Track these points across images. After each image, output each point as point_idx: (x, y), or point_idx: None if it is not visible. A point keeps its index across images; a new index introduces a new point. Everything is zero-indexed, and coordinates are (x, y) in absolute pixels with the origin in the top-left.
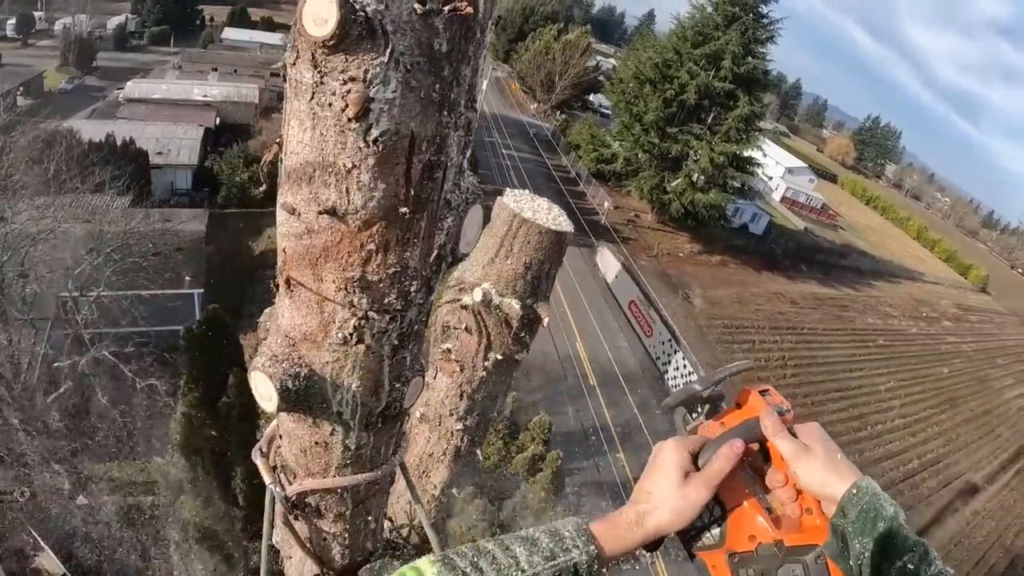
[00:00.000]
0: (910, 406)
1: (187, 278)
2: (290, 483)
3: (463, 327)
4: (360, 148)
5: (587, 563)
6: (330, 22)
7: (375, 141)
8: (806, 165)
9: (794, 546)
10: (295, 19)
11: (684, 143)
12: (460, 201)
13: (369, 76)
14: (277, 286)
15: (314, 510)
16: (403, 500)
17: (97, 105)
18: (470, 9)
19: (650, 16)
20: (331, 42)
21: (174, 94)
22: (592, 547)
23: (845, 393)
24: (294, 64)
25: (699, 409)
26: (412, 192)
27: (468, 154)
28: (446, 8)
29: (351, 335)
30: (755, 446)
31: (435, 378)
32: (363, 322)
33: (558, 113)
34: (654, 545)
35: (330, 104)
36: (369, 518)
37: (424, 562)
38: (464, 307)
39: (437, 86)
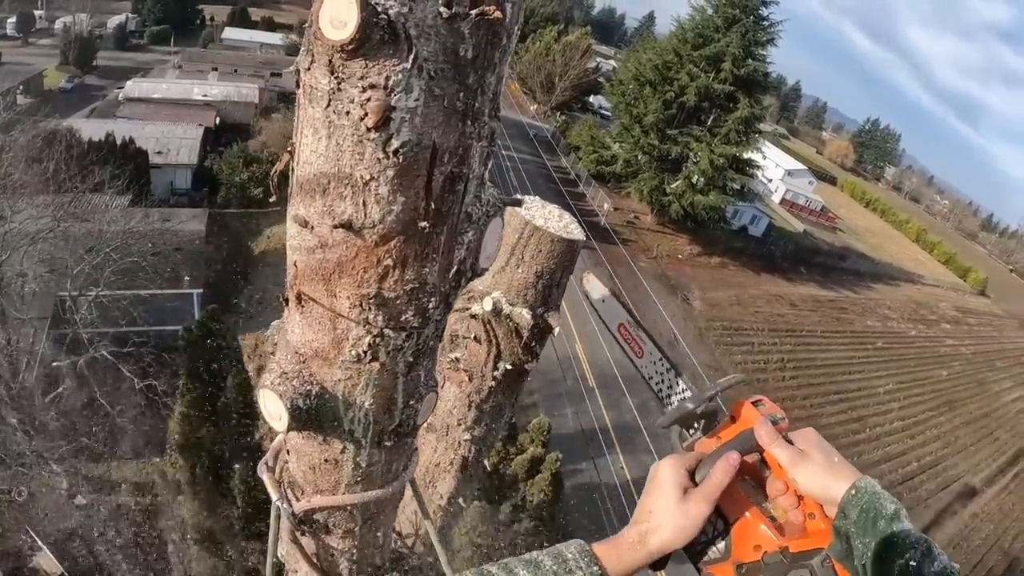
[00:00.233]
0: (909, 408)
1: (186, 278)
2: (298, 499)
3: (472, 336)
4: (379, 159)
5: None
6: (350, 25)
7: (395, 152)
8: (806, 167)
9: (800, 552)
10: (310, 20)
11: (684, 145)
12: (481, 214)
13: (391, 83)
14: (286, 300)
15: (322, 526)
16: (408, 510)
17: (97, 104)
18: (498, 14)
19: (650, 18)
20: (350, 46)
21: (174, 94)
22: (595, 568)
23: (844, 395)
24: (308, 69)
25: (695, 425)
26: (432, 205)
27: (489, 165)
28: (473, 12)
29: (365, 353)
30: (753, 457)
31: (443, 387)
32: (378, 339)
33: (558, 114)
34: (659, 564)
35: (348, 112)
36: (378, 534)
37: None
38: (474, 316)
39: (461, 94)
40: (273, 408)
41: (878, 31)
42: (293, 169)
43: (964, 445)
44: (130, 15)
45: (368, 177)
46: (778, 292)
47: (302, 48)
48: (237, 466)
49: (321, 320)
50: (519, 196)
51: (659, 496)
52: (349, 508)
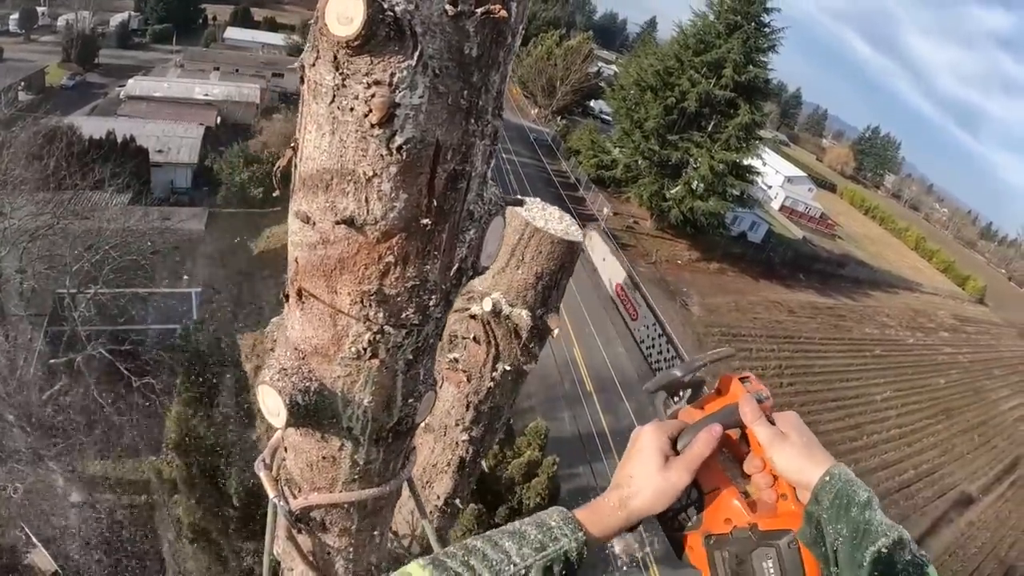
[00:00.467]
0: (906, 416)
1: (185, 277)
2: (295, 497)
3: (471, 337)
4: (382, 156)
5: (576, 549)
6: (356, 21)
7: (399, 149)
8: (805, 174)
9: (768, 530)
10: (316, 16)
11: (684, 150)
12: (483, 213)
13: (395, 80)
14: (287, 296)
15: (319, 524)
16: (405, 510)
17: (98, 102)
18: (504, 12)
19: (652, 23)
20: (356, 43)
21: (175, 92)
22: (580, 533)
23: (841, 402)
24: (313, 65)
25: (680, 394)
26: (435, 203)
27: (492, 163)
28: (479, 11)
29: (365, 349)
30: (735, 432)
31: (441, 388)
32: (378, 336)
33: (559, 118)
34: (633, 526)
35: (352, 108)
36: (375, 533)
37: (414, 566)
38: (473, 316)
39: (465, 92)
40: (272, 404)
41: (879, 39)
42: (296, 165)
43: (961, 453)
44: (132, 13)
45: (371, 173)
46: (777, 298)
47: (307, 44)
48: (233, 467)
49: (321, 316)
50: (520, 196)
51: (640, 462)
52: (346, 506)
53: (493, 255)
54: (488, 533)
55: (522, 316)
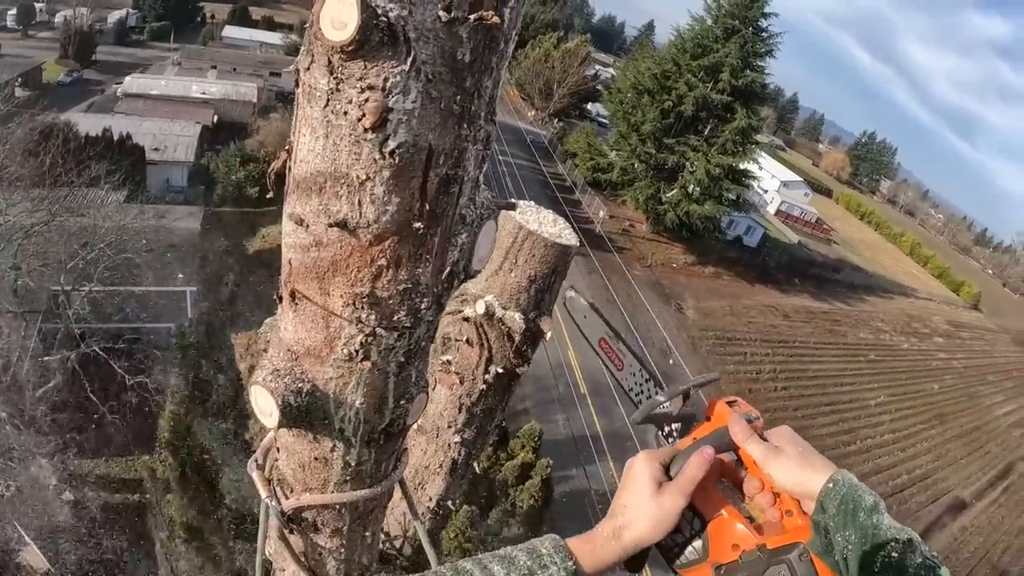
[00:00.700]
0: (900, 421)
1: (180, 275)
2: (287, 497)
3: (464, 339)
4: (375, 160)
5: None
6: (350, 26)
7: (392, 153)
8: (801, 179)
9: (777, 547)
10: (311, 21)
11: (680, 154)
12: (475, 217)
13: (388, 85)
14: (280, 298)
15: (310, 525)
16: (397, 512)
17: (95, 99)
18: (496, 19)
19: (650, 27)
20: (350, 47)
21: (172, 90)
22: (570, 563)
23: (835, 407)
24: (308, 69)
25: (673, 431)
26: (427, 207)
27: (484, 168)
28: (472, 17)
29: (357, 352)
30: (730, 457)
31: (434, 390)
32: (370, 339)
33: (556, 121)
34: (636, 564)
35: (345, 113)
36: (367, 533)
37: None
38: (466, 319)
39: (458, 97)
40: (264, 404)
41: (877, 46)
42: (290, 168)
43: (955, 458)
44: (131, 11)
45: (364, 177)
46: (772, 303)
47: (302, 48)
48: (226, 466)
49: (314, 318)
50: (513, 200)
51: (633, 490)
52: (338, 507)
53: (485, 259)
54: (479, 556)
55: (515, 319)
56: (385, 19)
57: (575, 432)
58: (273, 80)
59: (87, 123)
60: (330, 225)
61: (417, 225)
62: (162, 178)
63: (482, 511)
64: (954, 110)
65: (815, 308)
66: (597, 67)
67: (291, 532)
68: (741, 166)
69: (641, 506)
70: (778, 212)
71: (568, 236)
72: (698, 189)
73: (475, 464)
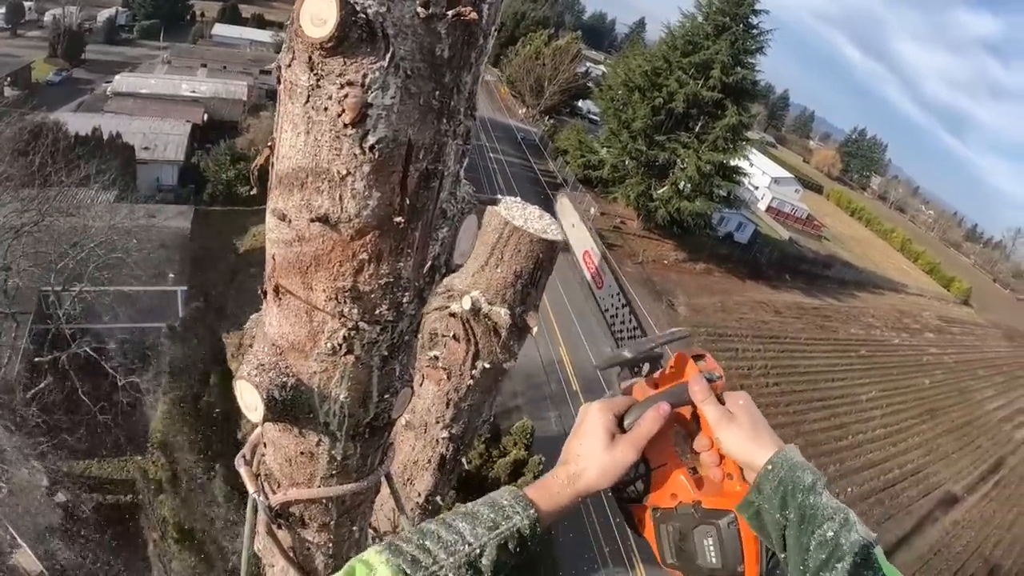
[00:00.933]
0: (891, 416)
1: (171, 275)
2: (274, 492)
3: (451, 335)
4: (355, 155)
5: (529, 526)
6: (329, 23)
7: (371, 148)
8: (792, 175)
9: (711, 508)
10: (291, 18)
11: (671, 151)
12: (455, 211)
13: (368, 81)
14: (265, 293)
15: (298, 520)
16: (386, 507)
17: (84, 98)
18: (474, 15)
19: (641, 24)
20: (329, 44)
21: (162, 89)
22: (531, 510)
23: (827, 402)
24: (289, 66)
25: (637, 369)
26: (407, 201)
27: (465, 163)
28: (449, 13)
29: (340, 345)
30: (688, 410)
31: (421, 385)
32: (353, 333)
33: (546, 118)
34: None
35: (326, 108)
36: (354, 528)
37: (371, 552)
38: (452, 315)
39: (437, 93)
40: (249, 399)
41: (868, 43)
42: (273, 164)
43: (946, 453)
44: (120, 9)
45: (345, 172)
46: (763, 299)
47: (283, 45)
48: (219, 466)
49: (298, 313)
50: (496, 196)
51: (587, 439)
52: (324, 501)
53: (466, 253)
54: (442, 516)
55: (501, 314)
56: (364, 16)
57: (567, 429)
58: (263, 78)
59: (77, 122)
60: (312, 220)
61: (398, 219)
62: (152, 177)
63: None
64: (945, 107)
65: (806, 304)
66: (588, 64)
67: (279, 527)
68: (732, 163)
69: (594, 456)
70: (769, 208)
71: (554, 232)
72: (689, 186)
73: (464, 460)
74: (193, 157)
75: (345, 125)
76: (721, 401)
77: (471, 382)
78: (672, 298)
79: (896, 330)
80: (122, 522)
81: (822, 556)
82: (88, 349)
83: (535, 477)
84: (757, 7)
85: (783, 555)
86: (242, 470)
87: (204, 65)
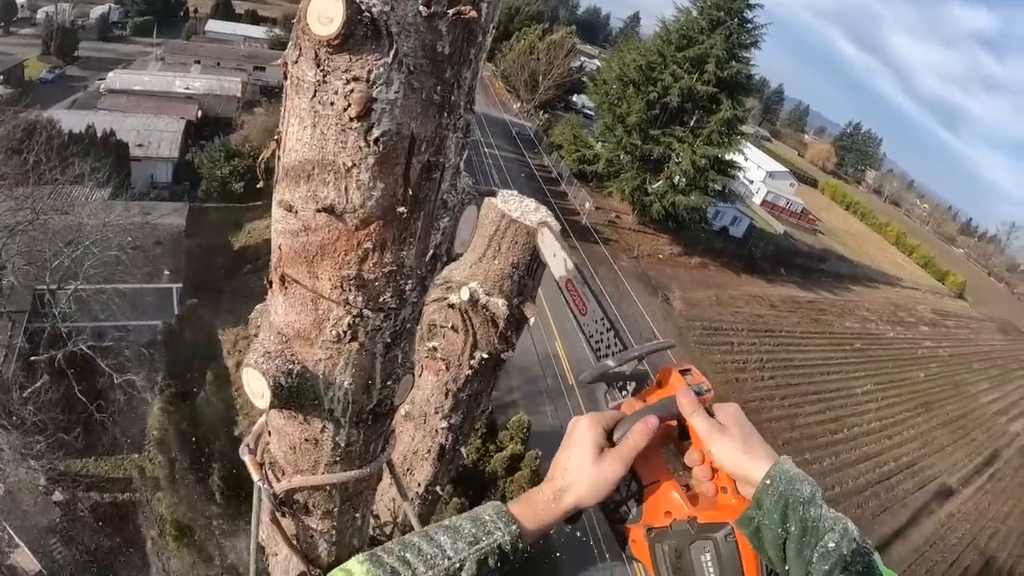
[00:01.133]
0: (886, 409)
1: (166, 272)
2: (278, 480)
3: (449, 325)
4: (361, 147)
5: (510, 542)
6: (335, 21)
7: (376, 141)
8: (787, 169)
9: (707, 523)
10: (298, 16)
11: (666, 145)
12: (456, 202)
13: (372, 76)
14: (270, 283)
15: (302, 507)
16: (387, 497)
17: (78, 95)
18: (474, 13)
19: (635, 18)
20: (336, 41)
21: (156, 86)
22: (514, 527)
23: (822, 396)
24: (296, 62)
25: (626, 387)
26: (410, 192)
27: (465, 155)
28: (450, 11)
29: (345, 333)
30: (675, 423)
31: (420, 376)
32: (357, 320)
33: (541, 113)
34: (573, 518)
35: (332, 103)
36: (356, 515)
37: (353, 562)
38: (451, 306)
39: (438, 88)
40: (256, 386)
41: (862, 37)
42: (279, 157)
43: (941, 445)
44: (113, 5)
45: (350, 164)
46: (758, 293)
47: (290, 42)
48: (216, 463)
49: (303, 301)
50: (494, 188)
51: (575, 453)
52: (328, 488)
53: (466, 242)
54: (425, 528)
55: (499, 305)
56: (369, 14)
57: (563, 423)
58: (257, 74)
59: (70, 120)
60: (318, 210)
61: (401, 209)
62: (146, 174)
63: (472, 503)
64: (939, 101)
65: (801, 298)
66: (582, 59)
67: (283, 515)
68: (727, 157)
69: (581, 471)
70: (764, 202)
71: (551, 223)
72: (684, 180)
73: (463, 451)
74: (187, 154)
75: (351, 119)
76: (710, 414)
77: (469, 372)
78: (667, 292)
79: (891, 323)
80: (120, 520)
81: (825, 568)
82: (84, 347)
83: (532, 471)
84: (751, 1)
85: (784, 568)
86: (247, 459)
87: (198, 61)
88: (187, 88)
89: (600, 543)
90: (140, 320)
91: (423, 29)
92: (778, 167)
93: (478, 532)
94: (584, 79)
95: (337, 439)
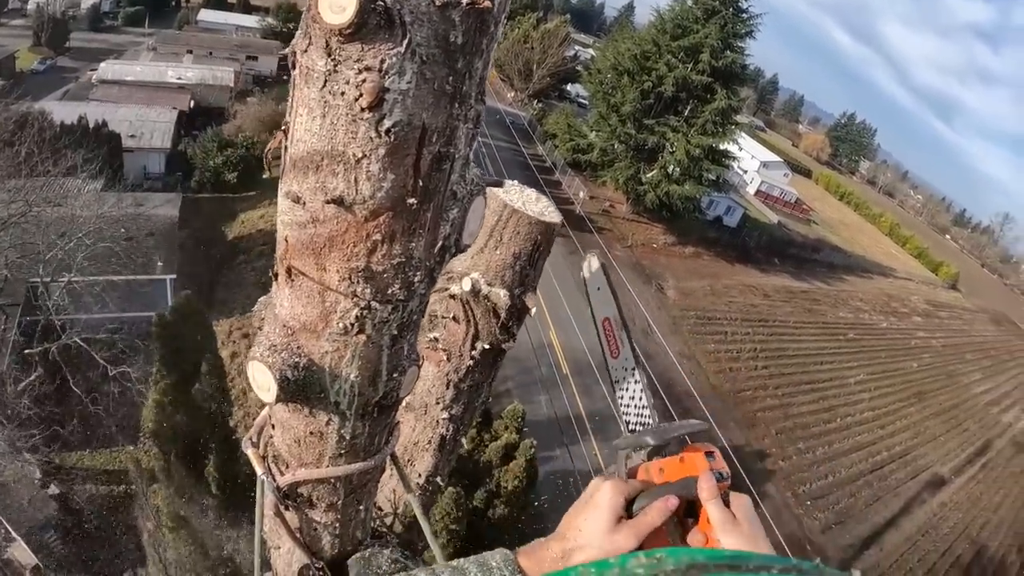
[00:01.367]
0: (879, 399)
1: (159, 263)
2: (282, 473)
3: (451, 316)
4: (371, 138)
5: None
6: (348, 10)
7: (387, 132)
8: (781, 159)
9: None
10: (308, 5)
11: (660, 135)
12: (465, 193)
13: (385, 66)
14: (276, 275)
15: (306, 500)
16: (387, 489)
17: (70, 86)
18: (488, 3)
19: (630, 7)
20: (348, 30)
21: (148, 76)
22: None
23: (815, 385)
24: (306, 51)
25: (647, 443)
26: (420, 183)
27: (474, 146)
28: (464, 1)
29: (352, 325)
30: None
31: (422, 367)
32: (365, 312)
33: (535, 102)
34: None
35: (343, 93)
36: (360, 507)
37: None
38: (452, 296)
39: (450, 78)
40: (262, 379)
41: (858, 28)
42: (286, 148)
43: (933, 435)
44: None
45: (360, 155)
46: (752, 282)
47: (299, 31)
48: (212, 454)
49: (310, 293)
50: (502, 179)
51: (593, 517)
52: (333, 481)
53: (474, 233)
54: (432, 567)
55: (500, 295)
56: (382, 3)
57: (558, 412)
58: (250, 64)
59: (62, 111)
60: (327, 202)
61: (411, 201)
62: (139, 165)
63: (467, 492)
64: (934, 92)
65: (795, 288)
66: (577, 48)
67: (287, 508)
68: (721, 147)
69: (596, 536)
70: (758, 192)
71: (551, 214)
72: (678, 169)
73: (463, 440)
74: (180, 144)
75: (362, 109)
76: (726, 502)
77: (471, 363)
78: (661, 282)
79: (884, 314)
80: (116, 513)
81: None
82: (78, 340)
83: (527, 461)
84: None
85: None
86: (250, 452)
87: (190, 51)
88: (179, 78)
89: None
90: (134, 312)
91: (436, 18)
92: (772, 157)
93: None
94: (578, 68)
95: (342, 432)
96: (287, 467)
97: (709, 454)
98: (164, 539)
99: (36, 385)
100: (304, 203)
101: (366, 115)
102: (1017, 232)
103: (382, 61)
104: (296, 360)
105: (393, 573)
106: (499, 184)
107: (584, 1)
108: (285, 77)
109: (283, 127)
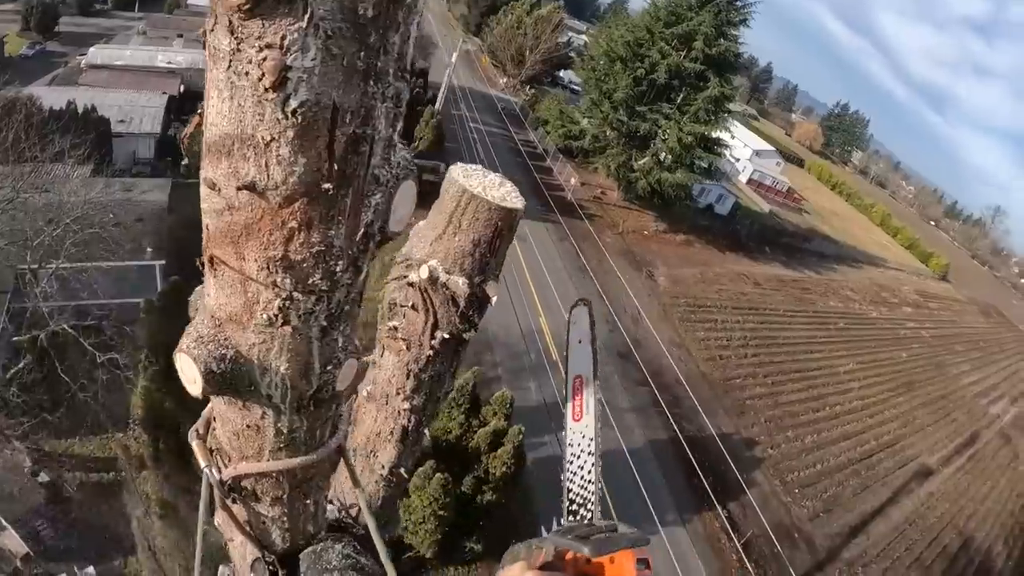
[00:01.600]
0: (868, 388)
1: (148, 249)
2: (225, 466)
3: (410, 304)
4: (278, 120)
5: None
6: None
7: (294, 112)
8: (774, 148)
9: None
10: None
11: (653, 122)
12: (390, 177)
13: (287, 43)
14: (202, 264)
15: (251, 494)
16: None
17: (58, 71)
18: None
19: None
20: (246, 6)
21: (138, 61)
22: None
23: (805, 374)
24: (212, 30)
25: (572, 518)
26: (336, 167)
27: (399, 127)
28: None
29: (276, 316)
30: None
31: (382, 356)
32: (288, 303)
33: (527, 88)
34: None
35: (247, 73)
36: (308, 502)
37: None
38: (411, 284)
39: (362, 54)
40: (189, 372)
41: (853, 18)
42: (203, 131)
43: (922, 425)
44: None
45: (269, 138)
46: (742, 271)
47: (208, 10)
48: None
49: (232, 283)
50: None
51: None
52: (275, 475)
53: (404, 219)
54: None
55: (459, 284)
56: None
57: (547, 399)
58: None
59: (51, 96)
60: (239, 188)
61: (326, 186)
62: (128, 150)
63: (455, 478)
64: (928, 84)
65: (785, 276)
66: (570, 34)
67: (233, 501)
68: (713, 135)
69: None
70: (750, 181)
71: (514, 199)
72: (670, 157)
73: (426, 430)
74: (170, 129)
75: (266, 89)
76: None
77: (431, 353)
78: (652, 268)
79: (874, 304)
80: (106, 500)
81: None
82: (66, 326)
83: (515, 447)
84: None
85: None
86: (194, 444)
87: (180, 35)
88: (170, 63)
89: None
90: (123, 298)
91: None
92: (765, 146)
93: None
94: (571, 55)
95: (279, 425)
96: (229, 460)
97: (641, 561)
98: (153, 525)
99: (25, 373)
100: (219, 189)
101: (271, 95)
102: (1008, 225)
103: (283, 37)
104: (223, 352)
105: (343, 568)
106: (435, 169)
107: None
108: None
109: (199, 110)
